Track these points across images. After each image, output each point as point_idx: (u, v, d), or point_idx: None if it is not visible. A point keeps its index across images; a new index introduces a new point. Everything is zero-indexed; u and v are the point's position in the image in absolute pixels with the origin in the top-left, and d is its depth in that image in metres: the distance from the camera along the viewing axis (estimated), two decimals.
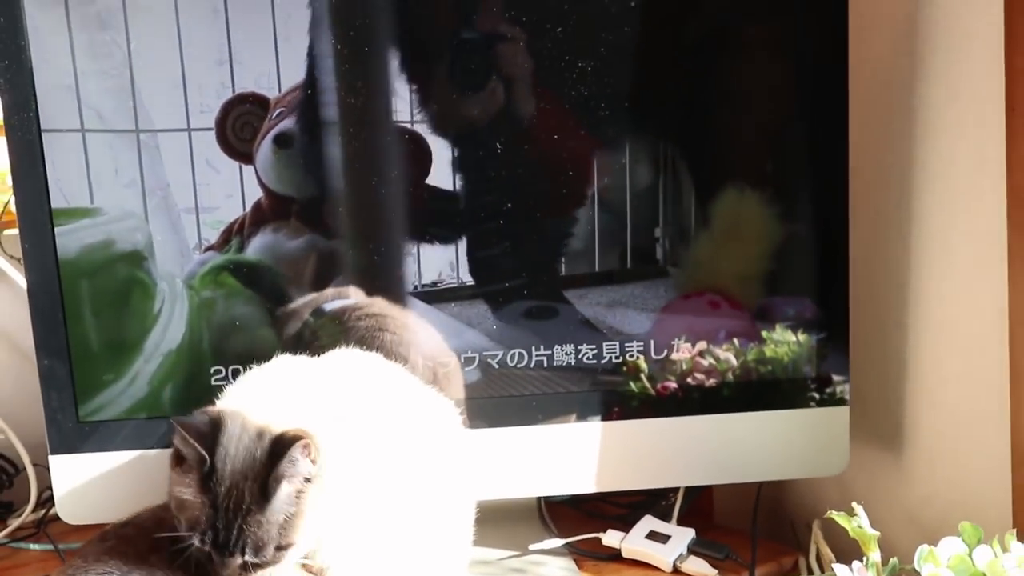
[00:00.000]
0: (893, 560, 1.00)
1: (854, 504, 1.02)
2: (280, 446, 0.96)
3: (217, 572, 0.98)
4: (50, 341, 1.18)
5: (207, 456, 0.96)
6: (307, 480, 0.97)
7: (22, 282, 1.22)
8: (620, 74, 1.20)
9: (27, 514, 1.41)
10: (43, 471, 1.33)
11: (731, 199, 1.23)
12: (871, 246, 1.30)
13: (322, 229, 1.20)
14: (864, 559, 1.00)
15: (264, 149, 1.18)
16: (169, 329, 1.20)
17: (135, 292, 1.19)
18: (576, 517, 1.38)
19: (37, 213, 1.16)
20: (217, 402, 1.04)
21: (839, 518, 1.01)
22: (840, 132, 1.21)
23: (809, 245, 1.25)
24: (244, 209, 1.19)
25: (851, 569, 0.98)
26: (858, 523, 1.00)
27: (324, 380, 1.08)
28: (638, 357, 1.25)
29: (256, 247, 1.20)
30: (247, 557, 0.96)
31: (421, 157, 1.18)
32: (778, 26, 1.21)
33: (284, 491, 0.96)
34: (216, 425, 0.98)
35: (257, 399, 1.02)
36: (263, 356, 1.12)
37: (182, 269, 1.19)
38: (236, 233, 1.19)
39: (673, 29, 1.20)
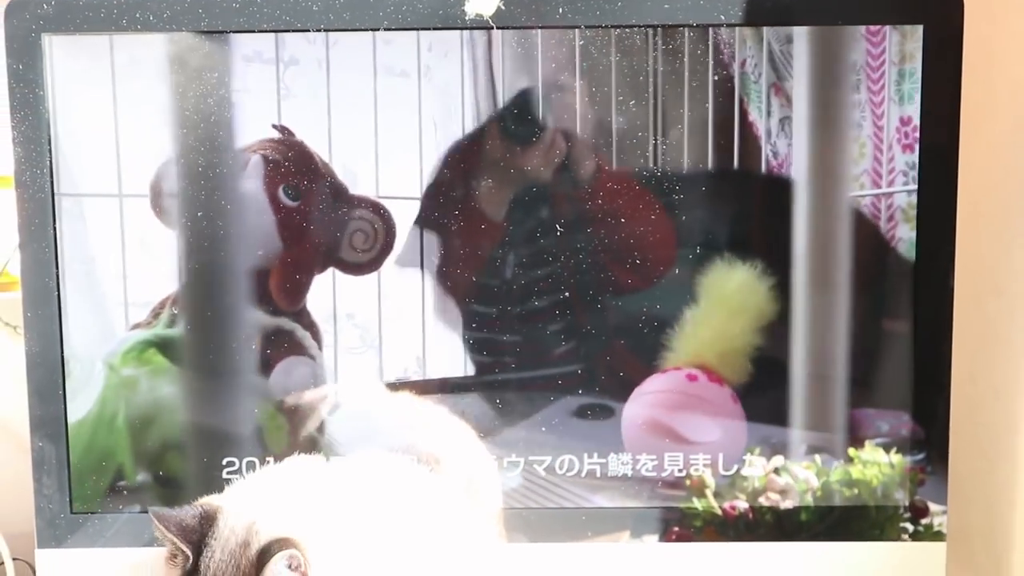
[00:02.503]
0: None
1: None
2: (265, 556, 0.89)
3: None
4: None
5: (188, 552, 0.91)
6: None
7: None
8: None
9: None
10: (24, 566, 1.23)
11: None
12: (977, 360, 1.16)
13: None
14: None
15: None
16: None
17: None
18: None
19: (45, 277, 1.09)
20: (222, 495, 0.97)
21: None
22: (945, 230, 1.10)
23: (907, 348, 1.11)
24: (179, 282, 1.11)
25: None
26: None
27: (338, 484, 0.99)
28: (704, 471, 1.12)
29: None
30: None
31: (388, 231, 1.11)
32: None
33: None
34: (208, 520, 0.92)
35: (261, 499, 0.95)
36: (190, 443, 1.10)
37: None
38: (170, 306, 1.11)
39: None
